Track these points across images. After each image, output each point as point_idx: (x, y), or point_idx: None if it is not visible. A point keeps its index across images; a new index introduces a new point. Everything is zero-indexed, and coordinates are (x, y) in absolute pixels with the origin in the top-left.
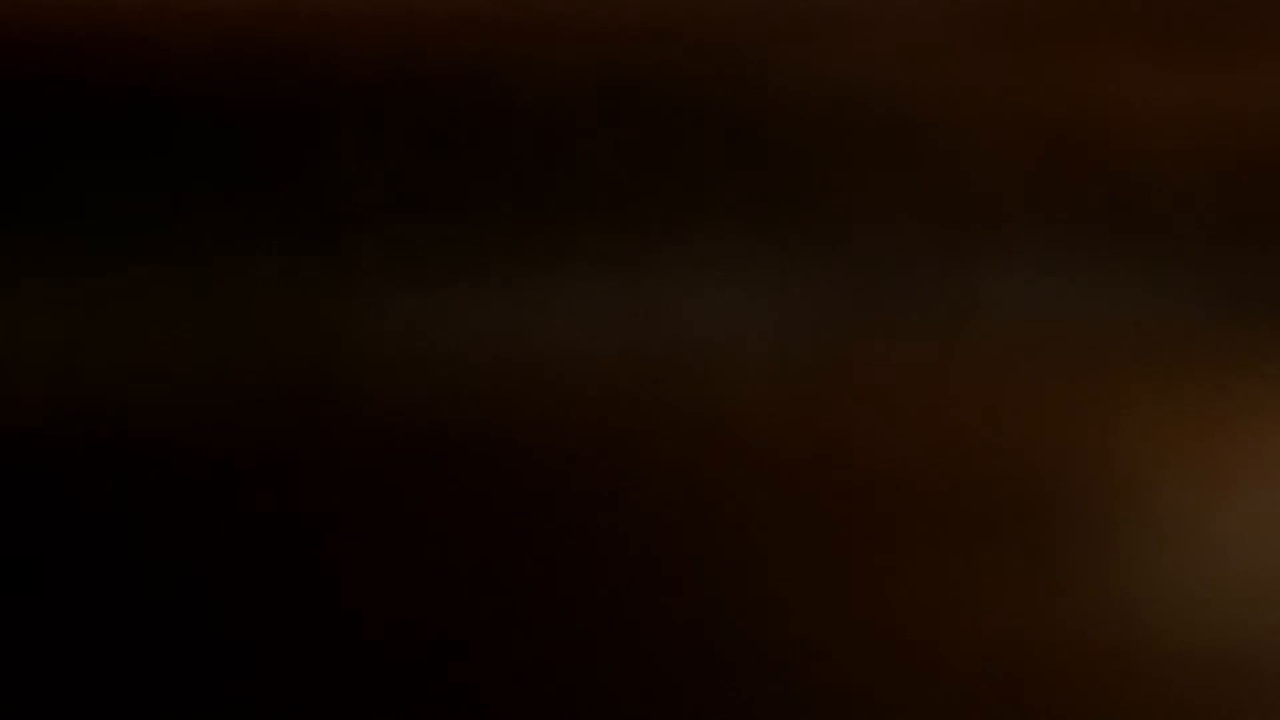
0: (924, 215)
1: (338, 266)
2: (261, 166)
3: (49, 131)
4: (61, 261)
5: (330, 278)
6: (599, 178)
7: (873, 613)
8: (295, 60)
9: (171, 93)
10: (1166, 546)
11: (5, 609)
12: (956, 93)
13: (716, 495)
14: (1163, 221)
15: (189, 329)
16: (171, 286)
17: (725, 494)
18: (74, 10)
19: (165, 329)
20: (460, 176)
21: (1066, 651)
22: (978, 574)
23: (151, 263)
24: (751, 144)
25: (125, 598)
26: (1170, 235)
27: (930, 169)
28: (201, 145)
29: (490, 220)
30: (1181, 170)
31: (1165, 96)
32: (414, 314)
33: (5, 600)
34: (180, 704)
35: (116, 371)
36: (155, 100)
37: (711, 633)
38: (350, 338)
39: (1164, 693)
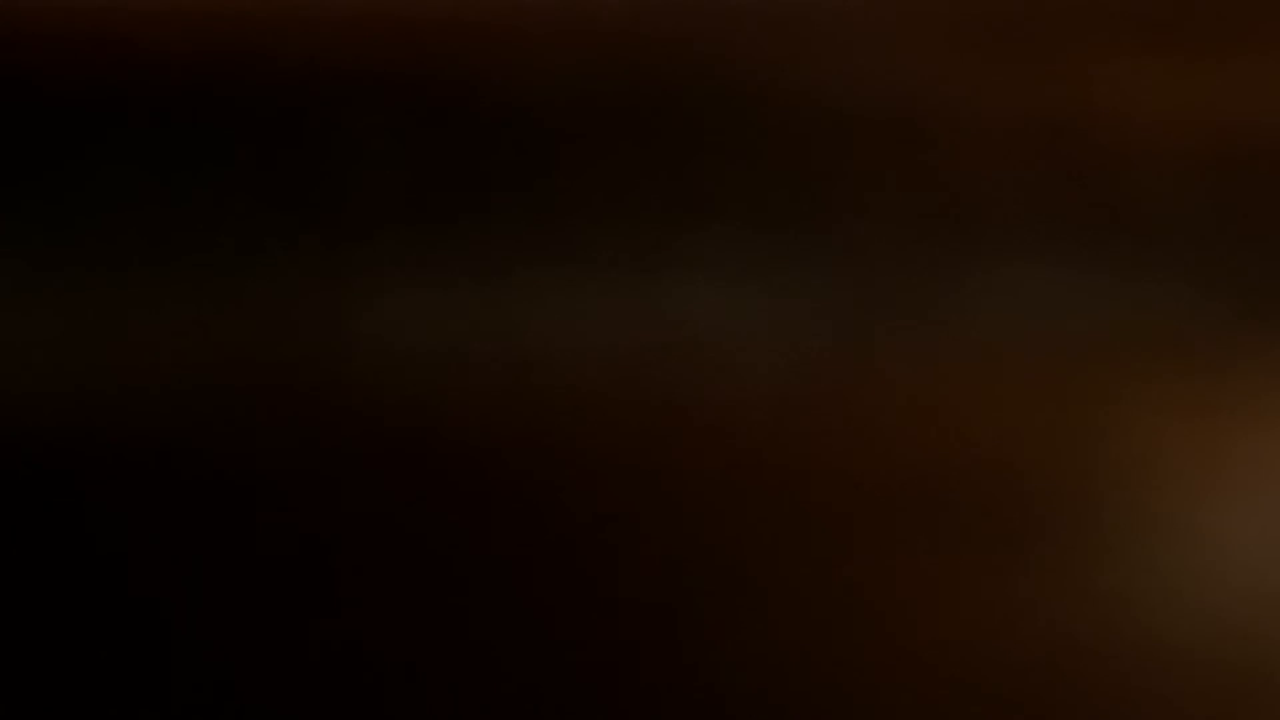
0: (924, 215)
1: (338, 266)
2: (261, 167)
3: (49, 131)
4: (62, 261)
5: (330, 278)
6: (599, 178)
7: (870, 611)
8: (296, 60)
9: (171, 92)
10: (1162, 545)
11: (4, 609)
12: (956, 92)
13: (715, 494)
14: (1161, 221)
15: (188, 329)
16: (170, 286)
17: (721, 492)
18: (75, 10)
19: (164, 329)
20: (460, 176)
21: (1062, 651)
22: (974, 573)
23: (150, 263)
24: (751, 144)
25: (124, 597)
26: (1168, 234)
27: (930, 169)
28: (201, 145)
29: (490, 220)
30: (1179, 169)
31: (1164, 96)
32: (413, 313)
33: (4, 600)
34: (179, 704)
35: (116, 371)
36: (155, 100)
37: (708, 632)
38: (350, 338)
39: (1159, 693)
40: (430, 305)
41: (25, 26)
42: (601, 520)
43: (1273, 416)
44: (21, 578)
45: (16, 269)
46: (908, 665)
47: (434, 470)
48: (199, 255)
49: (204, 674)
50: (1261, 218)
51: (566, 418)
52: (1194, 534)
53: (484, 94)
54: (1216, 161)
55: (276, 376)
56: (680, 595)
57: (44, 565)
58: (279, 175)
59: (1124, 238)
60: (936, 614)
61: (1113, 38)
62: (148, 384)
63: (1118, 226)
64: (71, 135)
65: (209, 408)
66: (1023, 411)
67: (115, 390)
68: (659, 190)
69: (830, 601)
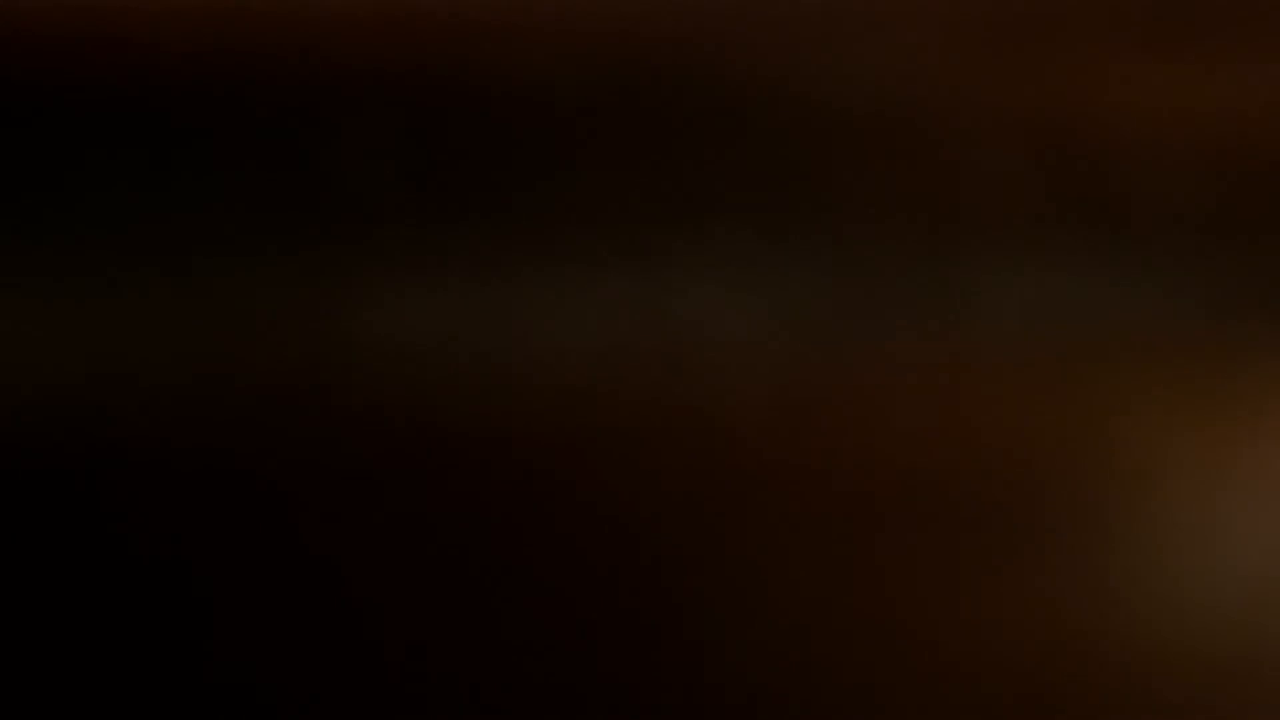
0: (924, 215)
1: (337, 266)
2: (260, 166)
3: (49, 131)
4: (61, 261)
5: (330, 278)
6: (598, 178)
7: (871, 611)
8: (295, 60)
9: (170, 92)
10: (1163, 545)
11: (4, 610)
12: (956, 92)
13: (713, 493)
14: (1159, 221)
15: (187, 329)
16: (170, 286)
17: (722, 492)
18: (73, 10)
19: (164, 329)
20: (460, 176)
21: (1062, 651)
22: (975, 573)
23: (149, 263)
24: (751, 144)
25: (123, 598)
26: (1167, 235)
27: (930, 169)
28: (200, 145)
29: (490, 220)
30: (1179, 169)
31: (1163, 96)
32: (412, 313)
33: (4, 601)
34: (177, 705)
35: (113, 371)
36: (154, 100)
37: (711, 631)
38: (350, 337)
39: (1161, 692)
40: (430, 305)
41: (25, 26)
42: (602, 519)
43: (1278, 416)
44: (21, 578)
45: (15, 269)
46: (910, 664)
47: (434, 469)
48: (198, 255)
49: (205, 673)
50: (1263, 217)
51: (566, 417)
52: (1199, 534)
53: (484, 94)
54: (1218, 161)
55: (276, 376)
56: (682, 595)
57: (43, 565)
58: (279, 175)
59: (1125, 237)
60: (939, 614)
61: (1113, 38)
62: (146, 383)
63: (1119, 226)
64: (71, 135)
65: (208, 407)
66: (1025, 412)
67: (113, 390)
68: (659, 190)
69: (832, 601)
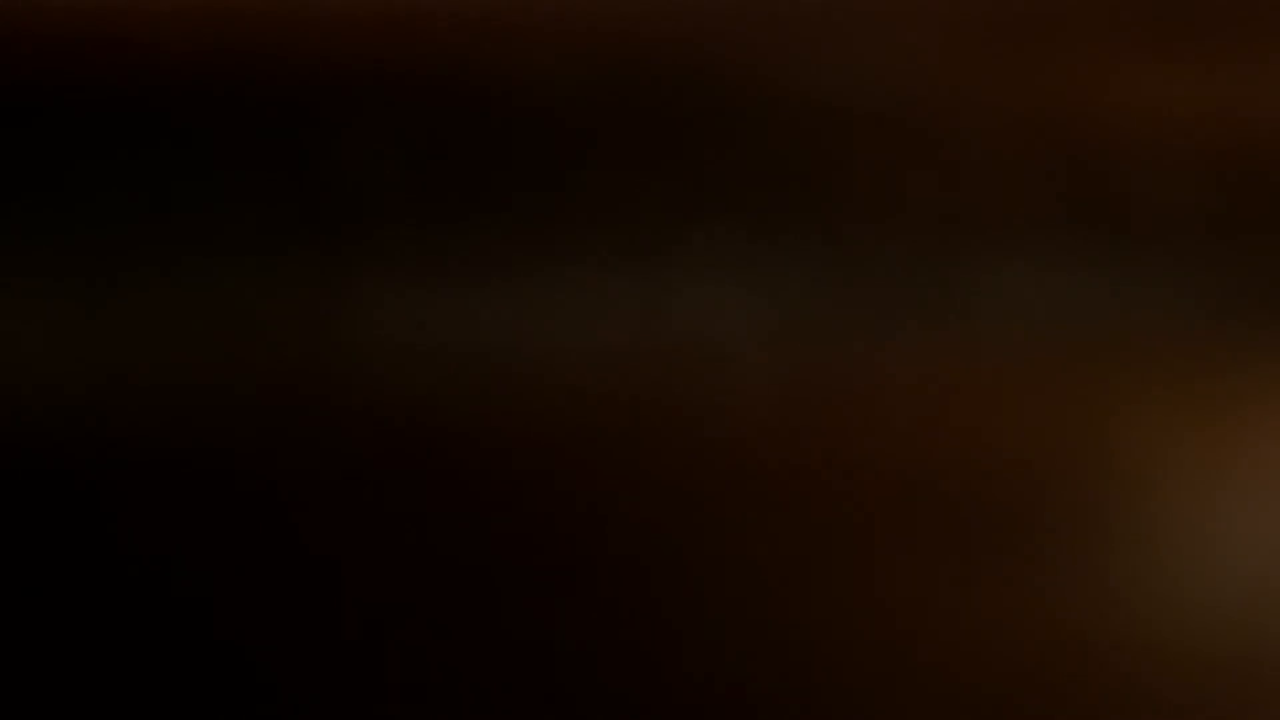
0: (923, 215)
1: (338, 266)
2: (261, 167)
3: (49, 131)
4: (61, 261)
5: (330, 278)
6: (598, 178)
7: (870, 611)
8: (295, 60)
9: (170, 92)
10: (1163, 545)
11: (4, 610)
12: (956, 92)
13: (713, 493)
14: (1160, 221)
15: (187, 329)
16: (170, 287)
17: (722, 492)
18: (73, 10)
19: (164, 329)
20: (460, 176)
21: (1062, 651)
22: (974, 574)
23: (149, 263)
24: (751, 144)
25: (123, 598)
26: (1168, 235)
27: (930, 169)
28: (199, 145)
29: (489, 220)
30: (1179, 170)
31: (1164, 97)
32: (412, 314)
33: (4, 601)
34: (177, 705)
35: (115, 372)
36: (154, 100)
37: (706, 631)
38: (350, 338)
39: (1161, 692)
40: (431, 305)
41: (25, 26)
42: (602, 519)
43: (1278, 417)
44: (22, 578)
45: (15, 269)
46: (910, 664)
47: (434, 469)
48: (198, 255)
49: (205, 673)
50: (1263, 218)
51: (566, 417)
52: (1199, 534)
53: (484, 94)
54: (1218, 161)
55: (276, 376)
56: (682, 595)
57: (43, 565)
58: (279, 175)
59: (1125, 238)
60: (939, 614)
61: (1113, 38)
62: (146, 383)
63: (1118, 227)
64: (71, 135)
65: (208, 407)
66: (1025, 412)
67: (113, 390)
68: (659, 190)
69: (832, 601)
